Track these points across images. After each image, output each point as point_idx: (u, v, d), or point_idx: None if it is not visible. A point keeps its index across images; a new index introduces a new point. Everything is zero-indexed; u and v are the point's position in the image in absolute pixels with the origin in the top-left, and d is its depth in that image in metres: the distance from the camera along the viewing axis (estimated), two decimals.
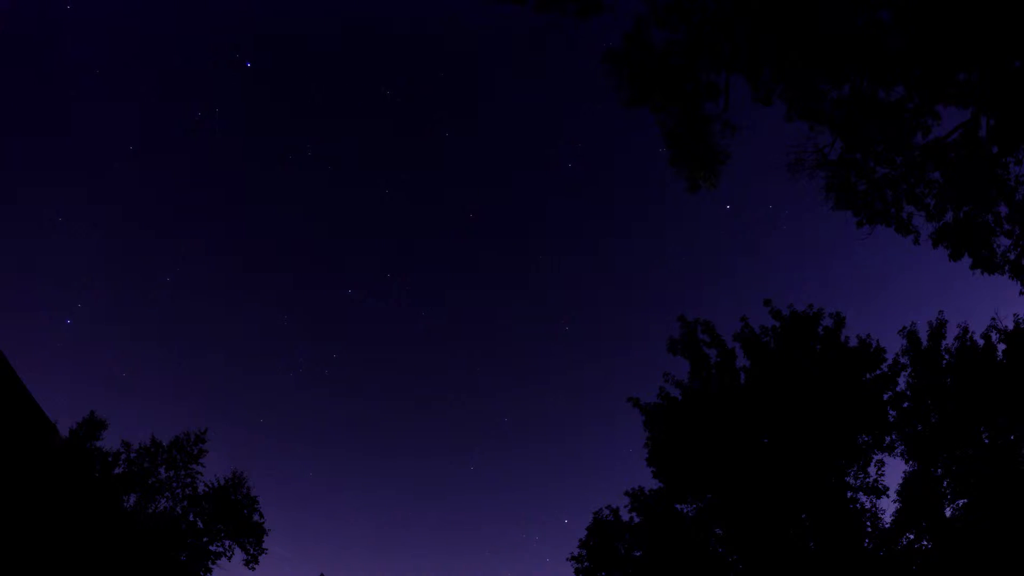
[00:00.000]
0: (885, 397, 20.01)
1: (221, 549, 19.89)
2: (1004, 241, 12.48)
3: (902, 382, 20.03)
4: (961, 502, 19.07)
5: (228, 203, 43.14)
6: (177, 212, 41.71)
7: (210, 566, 19.65)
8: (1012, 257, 12.49)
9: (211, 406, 45.74)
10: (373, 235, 46.07)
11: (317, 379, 47.97)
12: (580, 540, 21.54)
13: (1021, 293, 12.89)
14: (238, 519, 19.93)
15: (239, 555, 20.19)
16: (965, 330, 19.73)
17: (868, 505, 19.59)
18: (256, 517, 20.28)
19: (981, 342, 19.46)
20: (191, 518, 19.54)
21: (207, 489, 19.87)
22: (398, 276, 45.72)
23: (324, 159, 40.94)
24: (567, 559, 21.53)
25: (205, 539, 19.59)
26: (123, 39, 35.29)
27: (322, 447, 48.61)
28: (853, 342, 20.08)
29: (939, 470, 19.51)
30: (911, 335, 20.12)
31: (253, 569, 20.31)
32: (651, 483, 21.41)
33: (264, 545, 20.36)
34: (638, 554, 20.83)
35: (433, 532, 48.55)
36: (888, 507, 33.43)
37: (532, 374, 49.64)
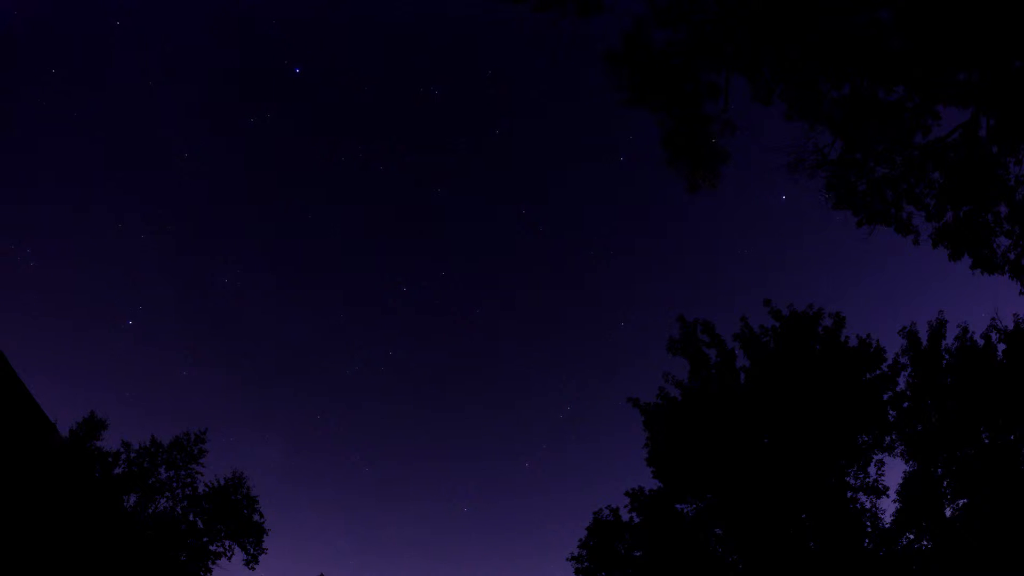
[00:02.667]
0: (885, 397, 20.02)
1: (221, 549, 19.90)
2: (1004, 241, 12.46)
3: (902, 382, 20.08)
4: (961, 502, 19.09)
5: (282, 206, 44.23)
6: (232, 216, 42.85)
7: (210, 566, 19.65)
8: (1012, 257, 12.47)
9: (268, 403, 46.77)
10: (426, 234, 46.49)
11: (373, 377, 48.54)
12: (580, 540, 21.56)
13: (1021, 293, 12.88)
14: (238, 519, 19.93)
15: (239, 555, 20.21)
16: (965, 330, 19.75)
17: (868, 505, 19.64)
18: (256, 517, 20.29)
19: (981, 342, 19.47)
20: (191, 518, 19.55)
21: (207, 489, 19.88)
22: (452, 274, 46.15)
23: (376, 160, 41.53)
24: (567, 559, 21.55)
25: (205, 539, 19.59)
26: (172, 51, 36.42)
27: (378, 444, 49.09)
28: (853, 342, 20.09)
29: (939, 470, 19.52)
30: (911, 335, 20.12)
31: (253, 569, 20.32)
32: (651, 483, 21.44)
33: (264, 545, 20.38)
34: (638, 554, 20.83)
35: (489, 533, 48.63)
36: (888, 507, 33.44)
37: (587, 370, 49.59)
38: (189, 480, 19.60)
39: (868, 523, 19.42)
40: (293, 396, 47.28)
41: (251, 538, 20.17)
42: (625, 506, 21.11)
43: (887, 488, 19.69)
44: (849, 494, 19.74)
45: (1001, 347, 19.20)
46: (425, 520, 48.40)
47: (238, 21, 36.33)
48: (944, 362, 19.68)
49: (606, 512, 21.64)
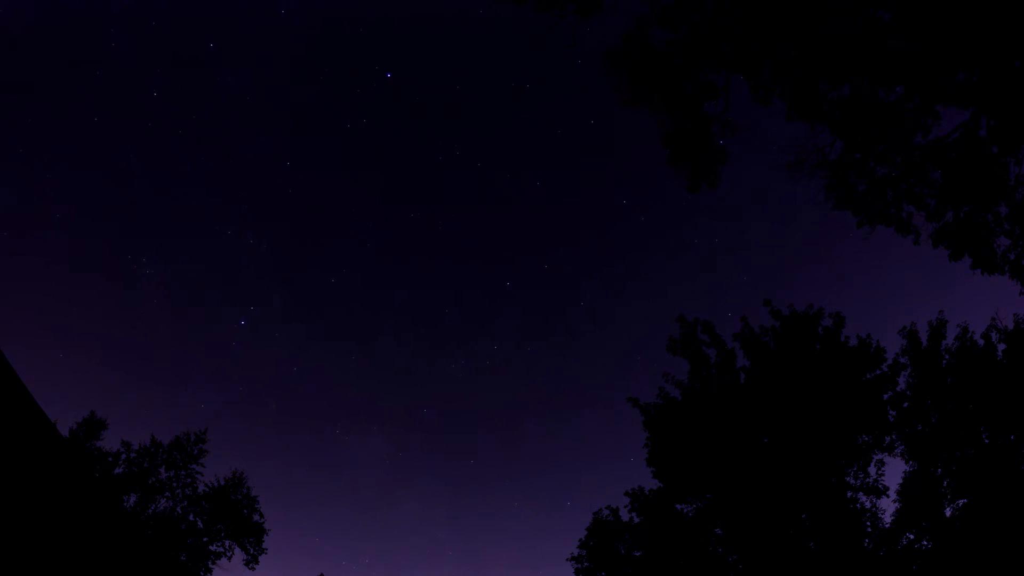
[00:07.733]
0: (885, 397, 20.01)
1: (221, 549, 19.90)
2: (1004, 241, 12.47)
3: (902, 382, 20.05)
4: (961, 502, 19.08)
5: (383, 207, 45.01)
6: (336, 218, 43.94)
7: (210, 566, 19.66)
8: (1012, 257, 12.47)
9: (373, 398, 48.61)
10: (526, 229, 46.67)
11: (478, 371, 49.30)
12: (580, 540, 21.56)
13: (1021, 293, 12.88)
14: (238, 519, 19.93)
15: (239, 555, 20.21)
16: (965, 330, 19.73)
17: (868, 505, 19.63)
18: (256, 517, 20.29)
19: (981, 342, 19.46)
20: (191, 518, 19.55)
21: (207, 489, 19.88)
22: (554, 267, 46.40)
23: (473, 157, 41.93)
24: (567, 559, 21.55)
25: (205, 539, 19.59)
26: (266, 65, 37.55)
27: (480, 437, 49.43)
28: (853, 342, 20.09)
29: (939, 470, 19.52)
30: (911, 335, 20.11)
31: (253, 569, 20.32)
32: (651, 483, 21.44)
33: (264, 545, 20.37)
34: (638, 554, 20.83)
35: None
36: (888, 507, 33.46)
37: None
38: (189, 480, 19.61)
39: (868, 523, 19.42)
40: (400, 389, 48.15)
41: (251, 538, 20.18)
42: (625, 506, 21.15)
43: (887, 488, 19.70)
44: (849, 494, 19.74)
45: (1001, 347, 19.20)
46: (526, 511, 48.55)
47: (326, 33, 36.98)
48: (944, 362, 19.66)
49: (606, 512, 21.66)
